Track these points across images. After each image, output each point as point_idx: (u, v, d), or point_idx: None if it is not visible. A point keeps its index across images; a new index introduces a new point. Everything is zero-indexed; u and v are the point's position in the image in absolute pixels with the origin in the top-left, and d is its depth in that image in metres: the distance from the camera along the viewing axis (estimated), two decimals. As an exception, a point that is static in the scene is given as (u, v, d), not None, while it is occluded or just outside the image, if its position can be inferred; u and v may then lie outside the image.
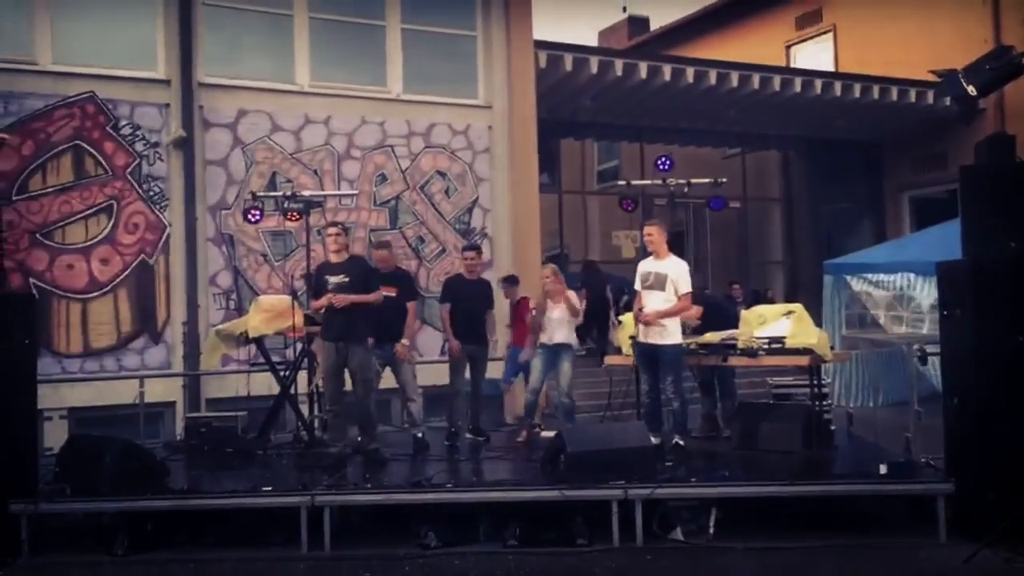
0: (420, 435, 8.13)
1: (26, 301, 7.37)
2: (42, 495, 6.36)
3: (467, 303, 8.26)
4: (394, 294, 7.83)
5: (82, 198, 10.17)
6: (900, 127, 16.47)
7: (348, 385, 7.48)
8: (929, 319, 9.46)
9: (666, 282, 7.29)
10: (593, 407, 9.96)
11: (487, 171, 12.19)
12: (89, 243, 10.17)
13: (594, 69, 13.06)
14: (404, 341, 7.90)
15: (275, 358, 8.78)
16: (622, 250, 16.02)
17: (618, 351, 8.46)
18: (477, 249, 8.80)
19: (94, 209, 10.21)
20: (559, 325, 8.17)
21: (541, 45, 12.64)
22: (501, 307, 9.45)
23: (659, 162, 9.12)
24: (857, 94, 14.93)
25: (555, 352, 8.17)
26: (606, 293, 13.44)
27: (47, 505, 6.30)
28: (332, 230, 7.41)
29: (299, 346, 8.41)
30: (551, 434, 7.40)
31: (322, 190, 10.77)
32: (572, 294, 8.32)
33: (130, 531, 6.31)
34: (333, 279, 7.27)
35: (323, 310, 7.32)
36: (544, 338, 8.22)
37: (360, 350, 7.30)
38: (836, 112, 15.51)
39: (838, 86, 14.83)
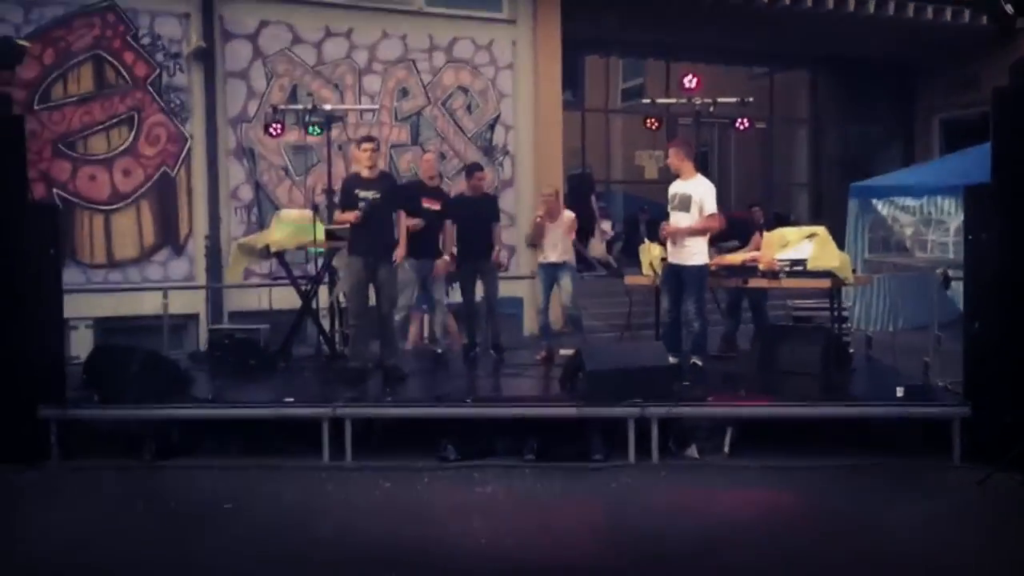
0: (440, 351, 8.21)
1: (49, 211, 7.42)
2: (71, 401, 6.50)
3: (469, 222, 8.22)
4: (438, 207, 7.92)
5: (103, 108, 10.13)
6: (934, 47, 16.00)
7: (372, 300, 7.52)
8: (955, 244, 9.35)
9: (690, 203, 7.21)
10: (612, 326, 10.01)
11: (510, 87, 12.02)
12: (111, 154, 10.18)
13: (621, -17, 12.73)
14: (445, 257, 7.99)
15: (296, 272, 8.83)
16: (645, 170, 15.87)
17: (589, 266, 8.52)
18: (482, 168, 8.74)
19: (115, 120, 10.18)
20: (557, 243, 8.19)
21: (567, -43, 12.32)
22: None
23: (685, 80, 8.97)
24: (891, 12, 14.50)
25: (554, 269, 8.21)
26: (591, 204, 13.45)
27: (76, 411, 6.45)
28: (367, 145, 7.31)
29: (320, 260, 8.45)
30: (570, 352, 7.46)
31: (343, 104, 10.68)
32: (568, 213, 8.34)
33: (156, 438, 6.47)
34: (364, 194, 7.24)
35: (350, 225, 7.31)
36: (542, 257, 8.27)
37: (387, 265, 7.32)
38: (868, 31, 15.07)
39: (872, 3, 14.39)
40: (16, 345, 6.29)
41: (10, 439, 6.22)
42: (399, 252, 7.35)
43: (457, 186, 11.47)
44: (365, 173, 7.33)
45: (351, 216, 7.20)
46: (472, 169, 8.61)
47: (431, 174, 8.40)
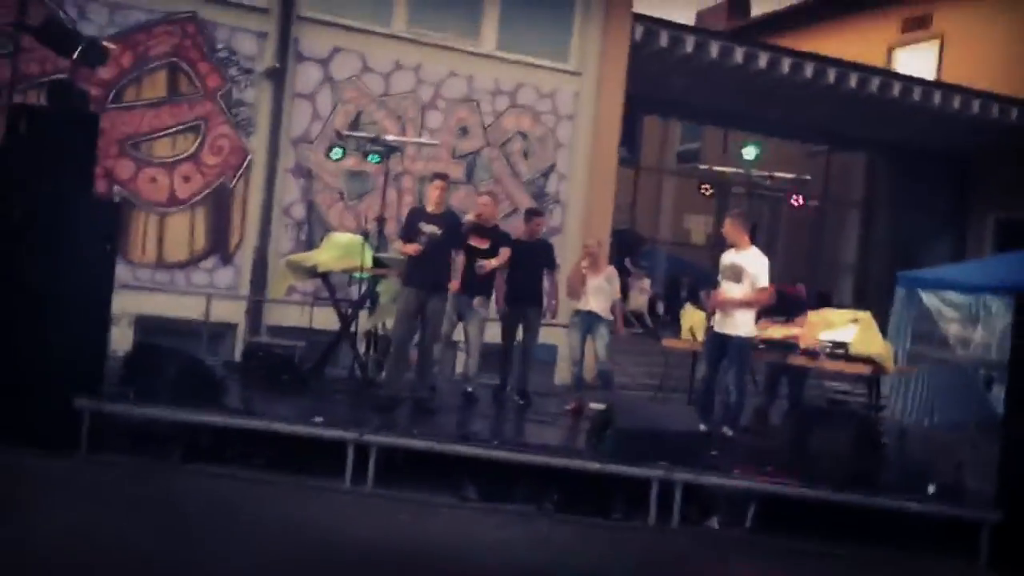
0: (471, 390, 8.23)
1: (111, 208, 7.60)
2: (106, 396, 6.60)
3: (522, 266, 8.27)
4: (485, 246, 8.00)
5: (172, 114, 10.39)
6: (996, 145, 15.95)
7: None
8: (999, 345, 9.24)
9: (743, 275, 7.22)
10: (644, 385, 9.97)
11: (568, 137, 12.14)
12: (174, 159, 10.41)
13: (689, 48, 12.87)
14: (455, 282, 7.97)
15: (339, 295, 8.92)
16: (692, 234, 15.89)
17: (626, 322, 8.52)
18: (540, 214, 8.83)
19: (182, 127, 10.42)
20: (596, 293, 8.22)
21: (639, 18, 12.50)
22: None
23: (744, 151, 9.03)
24: (956, 106, 14.51)
25: (591, 318, 8.22)
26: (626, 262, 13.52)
27: (110, 405, 6.54)
28: (439, 183, 7.52)
29: (364, 286, 8.54)
30: (600, 406, 7.44)
31: (404, 136, 10.85)
32: (610, 267, 8.37)
33: (184, 442, 6.54)
34: (427, 228, 7.36)
35: (407, 256, 7.42)
36: (580, 304, 8.29)
37: (440, 299, 7.40)
38: (931, 122, 15.08)
39: (938, 95, 14.42)
40: (61, 335, 6.40)
41: (45, 426, 6.30)
42: (454, 284, 7.44)
43: (506, 227, 11.61)
44: (431, 208, 7.46)
45: (412, 248, 7.32)
46: (531, 214, 8.70)
47: (483, 214, 8.33)
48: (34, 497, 5.61)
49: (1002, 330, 9.19)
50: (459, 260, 7.61)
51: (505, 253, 8.01)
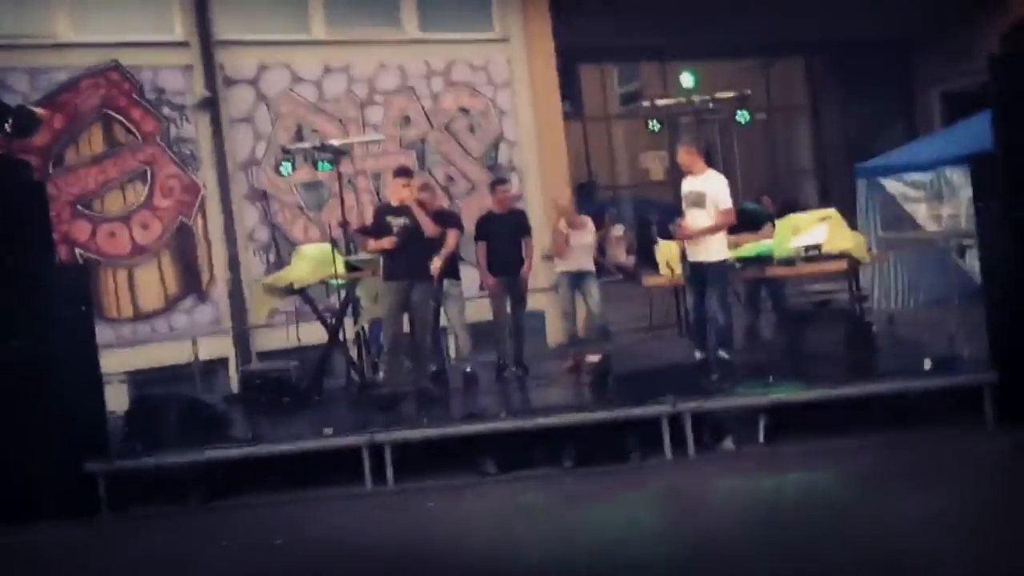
0: (469, 370, 8.32)
1: (79, 271, 7.62)
2: (116, 453, 6.64)
3: (499, 237, 8.33)
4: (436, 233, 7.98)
5: (116, 166, 10.32)
6: (926, 22, 16.06)
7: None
8: (966, 214, 9.40)
9: (705, 199, 7.29)
10: (635, 328, 10.09)
11: (509, 105, 12.15)
12: (128, 210, 10.35)
13: (608, -10, 12.87)
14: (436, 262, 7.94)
15: (320, 307, 8.95)
16: (650, 172, 15.99)
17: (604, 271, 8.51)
18: (505, 182, 8.88)
19: (129, 176, 10.36)
20: (580, 250, 8.29)
21: (552, -30, 12.47)
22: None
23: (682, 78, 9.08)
24: (881, -11, 14.57)
25: (578, 277, 8.29)
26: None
27: (122, 462, 6.59)
28: (400, 180, 7.53)
29: (343, 293, 8.58)
30: (596, 357, 7.55)
31: (348, 137, 10.84)
32: (588, 220, 8.43)
33: (201, 482, 6.59)
34: (395, 220, 7.40)
35: (383, 252, 7.47)
36: (563, 266, 8.36)
37: (423, 288, 7.47)
38: (859, 9, 15.13)
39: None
40: (58, 403, 6.44)
41: (59, 496, 6.36)
42: (435, 264, 7.55)
43: (468, 206, 11.65)
44: (394, 201, 7.50)
45: (387, 243, 7.37)
46: (495, 184, 8.76)
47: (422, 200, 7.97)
48: (68, 567, 5.67)
49: (967, 200, 9.35)
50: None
51: (452, 237, 8.00)
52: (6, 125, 6.77)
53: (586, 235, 8.35)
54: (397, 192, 7.53)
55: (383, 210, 7.65)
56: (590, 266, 8.37)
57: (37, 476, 6.33)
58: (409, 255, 7.39)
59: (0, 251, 6.38)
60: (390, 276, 7.50)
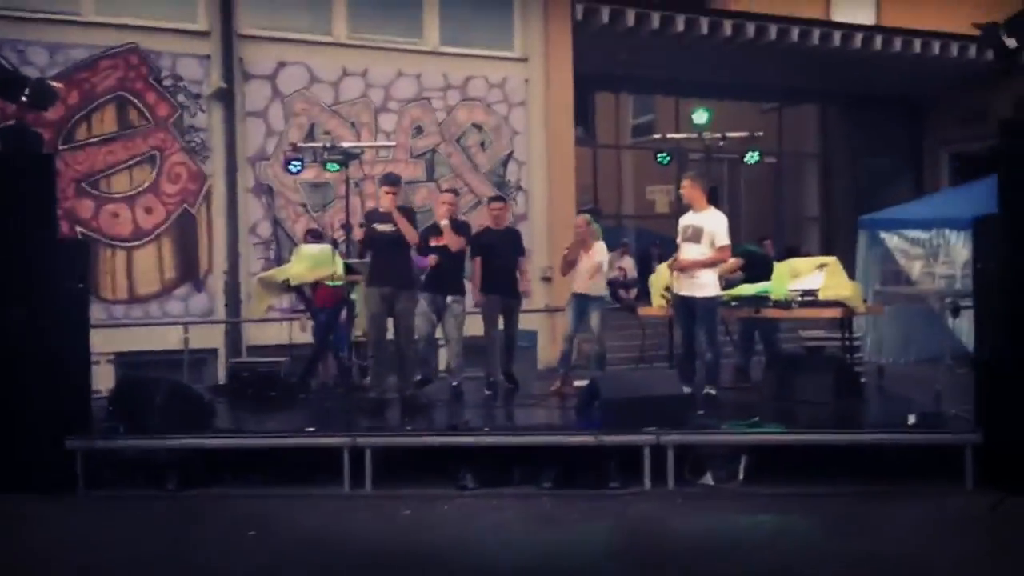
0: (456, 384, 8.32)
1: (78, 247, 7.62)
2: (97, 433, 6.64)
3: (495, 254, 8.35)
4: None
5: (126, 148, 10.38)
6: (941, 82, 16.22)
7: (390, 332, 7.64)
8: (962, 275, 9.46)
9: (702, 235, 7.32)
10: (625, 358, 10.10)
11: (523, 124, 12.24)
12: (133, 192, 10.41)
13: (631, 22, 12.97)
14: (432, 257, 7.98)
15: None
16: (656, 204, 16.04)
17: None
18: (502, 200, 8.91)
19: (137, 159, 10.42)
20: (586, 273, 8.29)
21: (578, -3, 12.60)
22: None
23: (695, 116, 9.13)
24: (898, 48, 14.72)
25: (584, 300, 8.30)
26: None
27: (102, 442, 6.58)
28: (385, 187, 7.50)
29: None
30: (584, 382, 7.56)
31: (360, 142, 10.90)
32: (600, 244, 8.42)
33: (180, 468, 6.58)
34: (382, 227, 7.43)
35: (369, 258, 7.50)
36: (573, 287, 8.37)
37: (406, 297, 7.47)
38: (876, 67, 15.30)
39: (879, 40, 14.62)
40: (43, 378, 6.43)
41: (38, 470, 6.34)
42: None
43: (472, 219, 11.68)
44: (383, 209, 7.52)
45: (359, 233, 7.50)
46: (490, 200, 8.80)
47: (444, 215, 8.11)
48: (38, 539, 5.65)
49: (964, 262, 9.41)
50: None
51: (448, 233, 7.99)
52: (23, 96, 6.81)
53: (595, 259, 8.33)
54: (382, 199, 7.55)
55: (372, 215, 7.68)
56: (597, 291, 8.36)
57: (16, 448, 6.32)
58: (392, 262, 7.41)
59: (2, 217, 6.40)
60: (371, 282, 7.52)
